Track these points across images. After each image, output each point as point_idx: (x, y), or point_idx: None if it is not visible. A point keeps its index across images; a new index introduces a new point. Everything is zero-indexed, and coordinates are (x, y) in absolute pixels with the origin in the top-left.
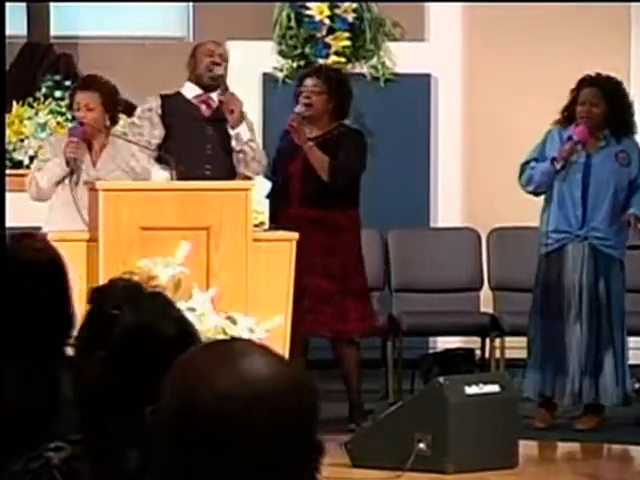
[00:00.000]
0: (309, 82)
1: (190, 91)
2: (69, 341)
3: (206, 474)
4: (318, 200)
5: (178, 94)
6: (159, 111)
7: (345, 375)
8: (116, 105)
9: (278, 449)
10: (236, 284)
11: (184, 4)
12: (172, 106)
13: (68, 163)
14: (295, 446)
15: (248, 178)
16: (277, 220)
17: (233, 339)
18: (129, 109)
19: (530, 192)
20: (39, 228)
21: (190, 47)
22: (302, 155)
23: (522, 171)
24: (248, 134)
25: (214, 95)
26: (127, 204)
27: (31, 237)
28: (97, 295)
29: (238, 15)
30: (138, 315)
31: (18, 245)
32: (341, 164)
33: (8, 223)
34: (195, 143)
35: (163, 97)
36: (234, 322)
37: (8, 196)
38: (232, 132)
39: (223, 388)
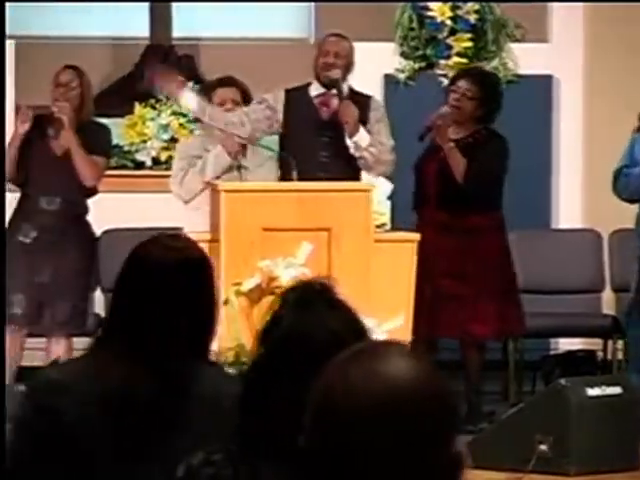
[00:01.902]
0: (463, 84)
1: (314, 89)
2: (208, 340)
3: (340, 469)
4: (453, 203)
5: (305, 89)
6: (279, 107)
7: (466, 376)
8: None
9: (409, 450)
10: (357, 285)
11: (306, 4)
12: (295, 103)
13: (229, 154)
14: (431, 451)
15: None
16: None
17: (379, 341)
18: None
19: (626, 199)
20: (153, 229)
21: (312, 48)
22: (439, 157)
23: (615, 179)
24: (367, 139)
25: (335, 92)
26: (248, 205)
27: (171, 237)
28: (280, 297)
29: (360, 16)
30: (294, 319)
31: (149, 244)
32: (479, 168)
33: (130, 224)
34: (310, 149)
35: (288, 91)
36: None
37: (132, 196)
38: (349, 142)
39: (355, 384)
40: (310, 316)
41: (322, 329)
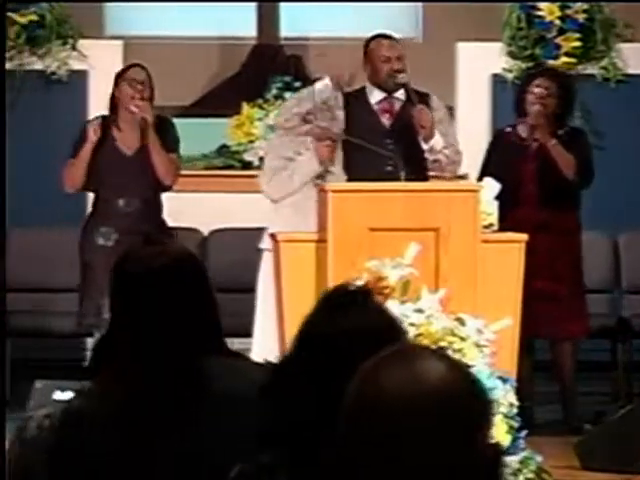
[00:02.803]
0: (543, 84)
1: (373, 94)
2: (217, 333)
3: (373, 471)
4: (553, 201)
5: (363, 94)
6: (339, 112)
7: (561, 376)
8: None
9: (442, 449)
10: (465, 286)
11: (413, 4)
12: (354, 108)
13: (321, 163)
14: (462, 450)
15: (461, 177)
16: (504, 221)
17: (413, 343)
18: None
19: None
20: (260, 229)
21: (420, 48)
22: (535, 155)
23: None
24: (441, 142)
25: (398, 94)
26: (356, 205)
27: (157, 242)
28: (321, 297)
29: (467, 16)
30: (329, 322)
31: (136, 248)
32: (581, 164)
33: (238, 224)
34: (375, 160)
35: (346, 95)
36: (462, 323)
37: (239, 196)
38: (425, 146)
39: (386, 386)
40: (349, 317)
41: (360, 329)
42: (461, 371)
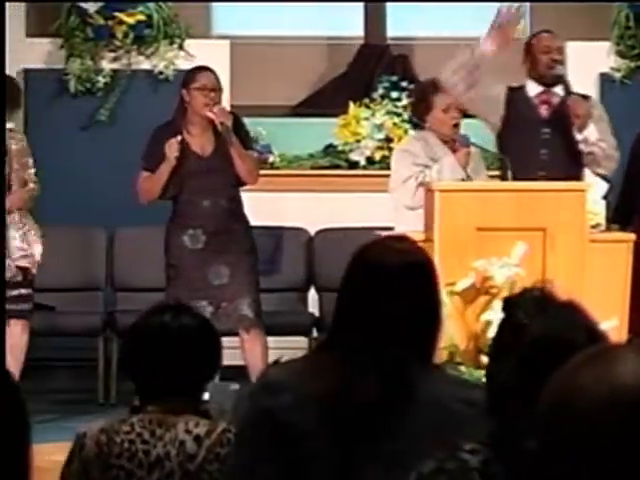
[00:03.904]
0: None
1: (532, 89)
2: (433, 343)
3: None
4: None
5: (521, 89)
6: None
7: None
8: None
9: (631, 456)
10: (572, 285)
11: (524, 4)
12: (514, 101)
13: (463, 168)
14: None
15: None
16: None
17: (615, 343)
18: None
19: None
20: (367, 229)
21: (522, 47)
22: None
23: None
24: (596, 134)
25: (557, 89)
26: (463, 205)
27: (395, 239)
28: (509, 304)
29: (574, 15)
30: (546, 325)
31: (374, 244)
32: None
33: (344, 224)
34: (529, 147)
35: (510, 89)
36: None
37: (345, 196)
38: (579, 136)
39: (583, 388)
40: (558, 321)
41: (576, 331)
42: None
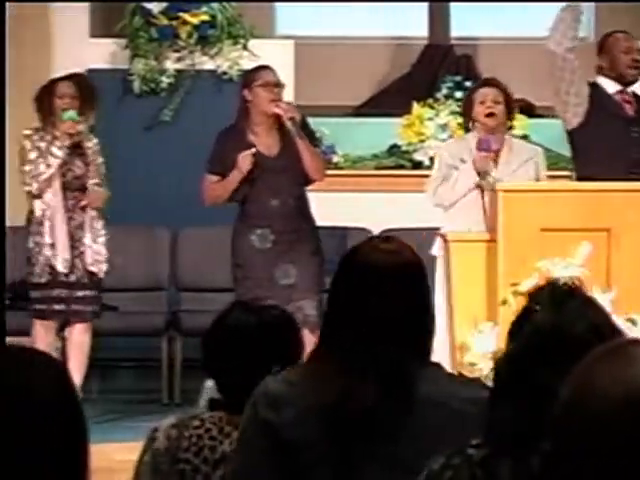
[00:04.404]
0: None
1: (609, 86)
2: (428, 341)
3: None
4: None
5: (597, 86)
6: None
7: None
8: (513, 104)
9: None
10: (636, 286)
11: (586, 4)
12: (596, 98)
13: (479, 173)
14: None
15: None
16: None
17: (633, 340)
18: (528, 109)
19: None
20: (430, 229)
21: (592, 47)
22: None
23: None
24: None
25: (633, 88)
26: (526, 205)
27: (385, 240)
28: (531, 294)
29: (638, 14)
30: (552, 316)
31: (364, 245)
32: None
33: (409, 224)
34: (617, 146)
35: (589, 85)
36: (634, 323)
37: (410, 196)
38: None
39: (598, 386)
40: (567, 310)
41: (581, 323)
42: None
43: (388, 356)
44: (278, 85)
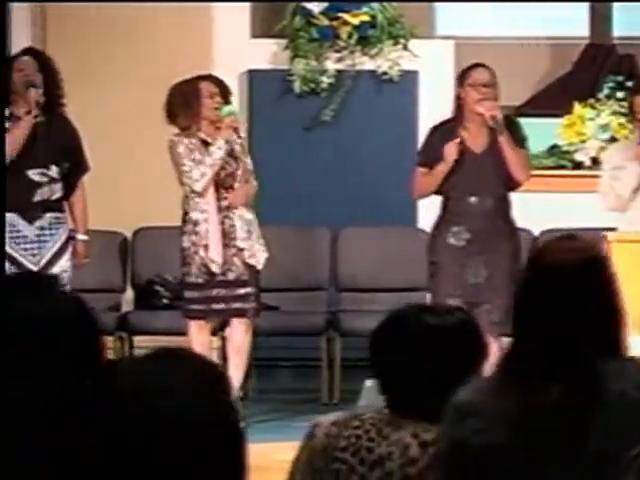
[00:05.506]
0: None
1: None
2: (619, 336)
3: None
4: None
5: None
6: None
7: None
8: None
9: None
10: None
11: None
12: None
13: None
14: None
15: None
16: None
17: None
18: None
19: None
20: (608, 229)
21: None
22: None
23: None
24: None
25: None
26: None
27: (570, 237)
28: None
29: None
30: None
31: (550, 245)
32: None
33: (570, 224)
34: None
35: None
36: None
37: (571, 197)
38: None
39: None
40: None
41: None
42: None
43: (582, 355)
44: (487, 85)
